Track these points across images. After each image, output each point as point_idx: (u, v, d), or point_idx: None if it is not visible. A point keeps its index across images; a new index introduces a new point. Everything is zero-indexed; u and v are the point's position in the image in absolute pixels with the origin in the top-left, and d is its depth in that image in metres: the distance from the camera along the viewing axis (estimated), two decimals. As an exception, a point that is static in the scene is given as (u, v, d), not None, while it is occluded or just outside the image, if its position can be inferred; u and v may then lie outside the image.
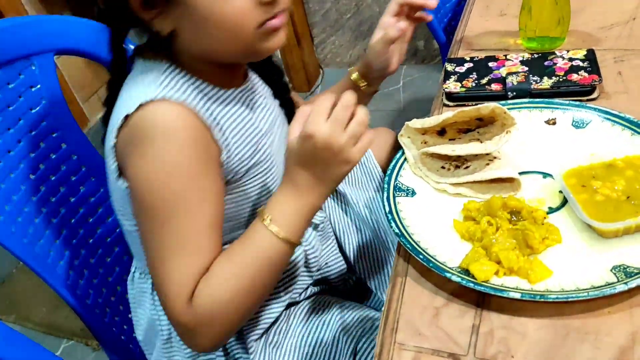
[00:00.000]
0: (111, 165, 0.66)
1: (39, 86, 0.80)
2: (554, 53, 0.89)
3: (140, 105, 0.62)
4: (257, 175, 0.73)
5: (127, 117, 0.62)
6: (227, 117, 0.69)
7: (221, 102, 0.69)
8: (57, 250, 0.82)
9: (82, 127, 0.86)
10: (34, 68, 0.79)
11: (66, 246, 0.84)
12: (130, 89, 0.66)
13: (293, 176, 0.65)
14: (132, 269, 0.82)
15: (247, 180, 0.73)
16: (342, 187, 0.92)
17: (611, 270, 0.59)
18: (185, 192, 0.63)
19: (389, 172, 0.76)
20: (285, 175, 0.66)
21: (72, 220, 0.86)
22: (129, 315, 0.94)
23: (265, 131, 0.75)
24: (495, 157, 0.75)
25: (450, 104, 0.88)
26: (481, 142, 0.75)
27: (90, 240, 0.89)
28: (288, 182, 0.65)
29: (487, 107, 0.73)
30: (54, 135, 0.83)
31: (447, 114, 0.75)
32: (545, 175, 0.73)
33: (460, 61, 0.93)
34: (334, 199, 0.91)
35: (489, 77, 0.88)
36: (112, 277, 0.92)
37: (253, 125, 0.73)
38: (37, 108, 0.80)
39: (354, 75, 0.90)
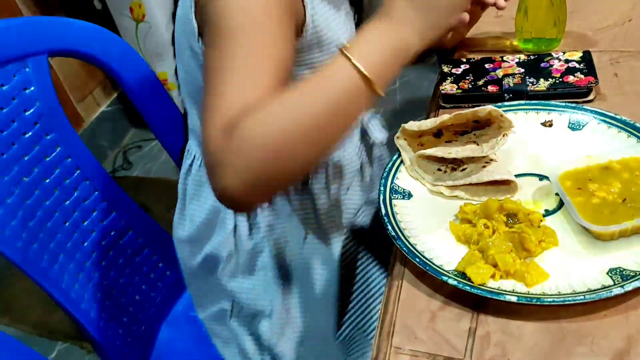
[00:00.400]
0: (193, 28, 0.64)
1: (32, 88, 0.79)
2: (550, 54, 0.89)
3: None
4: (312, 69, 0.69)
5: None
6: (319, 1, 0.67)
7: None
8: (51, 254, 0.82)
9: (77, 128, 0.86)
10: (27, 70, 0.78)
11: (60, 250, 0.84)
12: None
13: (387, 8, 0.57)
14: (188, 162, 0.79)
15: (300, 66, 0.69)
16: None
17: (607, 273, 0.59)
18: (260, 23, 0.57)
19: (385, 174, 0.76)
20: (379, 10, 0.58)
21: (67, 224, 0.85)
22: (124, 319, 0.93)
23: (343, 31, 0.73)
24: (491, 160, 0.74)
25: (447, 105, 0.88)
26: (478, 144, 0.75)
27: (85, 244, 0.88)
28: (379, 14, 0.57)
29: (483, 110, 0.73)
30: (48, 137, 0.82)
31: (444, 117, 0.75)
32: (542, 177, 0.73)
33: (457, 62, 0.93)
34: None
35: (485, 79, 0.87)
36: (107, 280, 0.91)
37: (336, 20, 0.71)
38: (31, 110, 0.80)
39: None
